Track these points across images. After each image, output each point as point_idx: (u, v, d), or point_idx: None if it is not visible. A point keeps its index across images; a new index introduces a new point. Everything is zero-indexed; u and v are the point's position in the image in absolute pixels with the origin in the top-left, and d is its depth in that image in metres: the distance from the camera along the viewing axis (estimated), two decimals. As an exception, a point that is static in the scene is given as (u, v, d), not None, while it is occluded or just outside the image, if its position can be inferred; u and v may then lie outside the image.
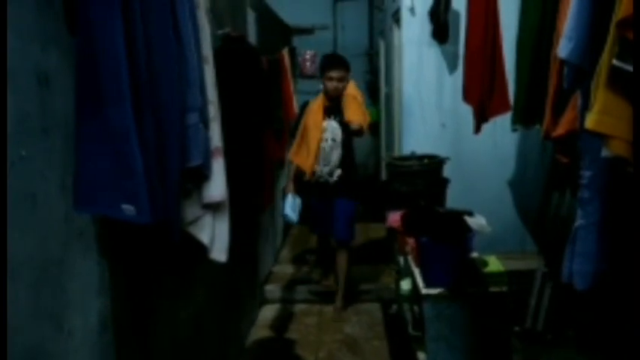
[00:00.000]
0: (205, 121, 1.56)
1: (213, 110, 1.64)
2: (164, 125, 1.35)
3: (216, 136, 1.65)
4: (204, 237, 1.65)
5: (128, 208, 1.26)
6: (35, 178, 1.20)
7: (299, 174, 3.65)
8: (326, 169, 3.55)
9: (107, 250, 1.49)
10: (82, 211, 1.31)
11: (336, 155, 3.54)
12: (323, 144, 3.53)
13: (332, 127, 3.54)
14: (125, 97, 1.21)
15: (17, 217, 1.13)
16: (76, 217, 1.33)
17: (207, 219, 1.66)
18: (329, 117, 3.55)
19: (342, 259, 3.70)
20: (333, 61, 3.60)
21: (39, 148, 1.21)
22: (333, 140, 3.54)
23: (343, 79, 3.50)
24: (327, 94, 3.54)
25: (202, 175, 1.58)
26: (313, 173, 3.55)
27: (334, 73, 3.48)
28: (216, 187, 1.62)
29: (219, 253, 1.71)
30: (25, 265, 1.16)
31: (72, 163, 1.27)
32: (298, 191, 3.70)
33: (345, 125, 3.48)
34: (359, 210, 3.81)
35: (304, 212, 3.72)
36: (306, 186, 3.67)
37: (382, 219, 3.71)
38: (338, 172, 3.56)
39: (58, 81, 1.27)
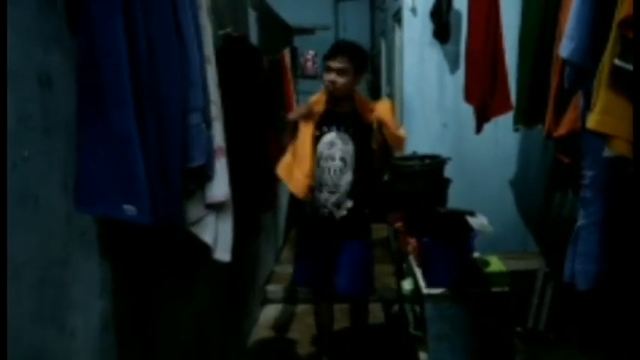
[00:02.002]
0: (207, 121, 1.57)
1: (216, 110, 1.65)
2: (166, 126, 1.35)
3: (218, 136, 1.65)
4: (207, 237, 1.65)
5: (129, 209, 1.26)
6: (37, 178, 1.20)
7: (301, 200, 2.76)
8: (332, 199, 2.68)
9: (109, 251, 1.49)
10: (83, 211, 1.31)
11: (345, 181, 2.67)
12: (328, 164, 2.67)
13: (340, 141, 2.65)
14: (127, 99, 1.22)
15: (20, 217, 1.13)
16: (77, 217, 1.33)
17: (210, 219, 1.66)
18: (330, 126, 2.67)
19: (361, 320, 2.95)
20: (333, 48, 2.69)
21: (41, 148, 1.21)
22: (343, 160, 2.66)
23: (345, 72, 2.59)
24: (327, 92, 2.67)
25: (205, 175, 1.58)
26: (314, 201, 2.71)
27: (332, 62, 2.60)
28: (219, 187, 1.63)
29: (223, 253, 1.71)
30: (27, 266, 1.16)
31: (74, 163, 1.27)
32: (298, 228, 2.95)
33: (361, 138, 2.65)
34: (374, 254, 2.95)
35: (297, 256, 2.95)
36: (304, 220, 2.86)
37: (384, 219, 3.71)
38: (348, 203, 2.69)
39: (60, 82, 1.27)
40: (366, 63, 2.79)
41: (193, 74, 1.49)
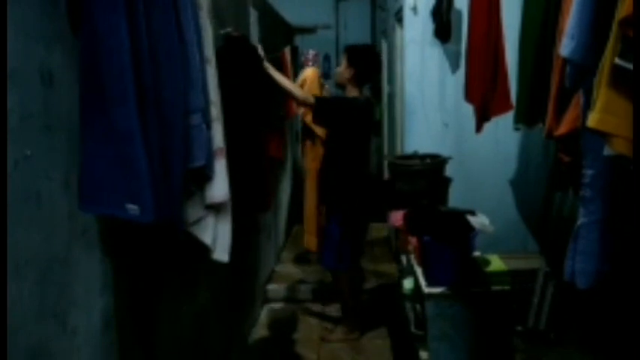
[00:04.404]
0: (208, 122, 1.57)
1: (216, 111, 1.65)
2: (168, 125, 1.35)
3: (218, 136, 1.65)
4: (206, 238, 1.65)
5: (132, 208, 1.26)
6: (40, 176, 1.20)
7: None
8: None
9: (110, 249, 1.50)
10: (86, 211, 1.31)
11: (326, 156, 3.31)
12: None
13: None
14: (129, 97, 1.22)
15: (22, 215, 1.14)
16: (79, 215, 1.34)
17: (210, 220, 1.66)
18: None
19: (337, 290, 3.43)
20: None
21: (43, 146, 1.21)
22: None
23: (345, 67, 3.15)
24: None
25: (205, 175, 1.58)
26: None
27: None
28: (219, 188, 1.63)
29: (222, 253, 1.71)
30: (29, 263, 1.16)
31: (76, 161, 1.28)
32: None
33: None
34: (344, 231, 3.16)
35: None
36: None
37: (384, 218, 3.71)
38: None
39: (62, 80, 1.27)
40: (356, 56, 3.11)
41: (194, 75, 1.49)
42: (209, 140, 1.57)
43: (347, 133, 3.10)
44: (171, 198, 1.39)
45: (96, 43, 1.21)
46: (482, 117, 2.79)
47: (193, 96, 1.49)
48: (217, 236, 1.69)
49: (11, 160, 1.10)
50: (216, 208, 1.67)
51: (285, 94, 3.08)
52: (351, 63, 3.09)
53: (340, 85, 3.23)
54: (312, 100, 2.99)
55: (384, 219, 3.67)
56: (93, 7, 1.21)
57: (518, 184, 3.51)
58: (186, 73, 1.46)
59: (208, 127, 1.58)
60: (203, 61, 1.57)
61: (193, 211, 1.60)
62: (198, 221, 1.63)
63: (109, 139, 1.24)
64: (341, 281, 3.33)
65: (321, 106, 3.06)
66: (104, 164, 1.25)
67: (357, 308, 3.41)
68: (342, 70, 3.14)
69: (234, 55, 2.51)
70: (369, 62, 3.14)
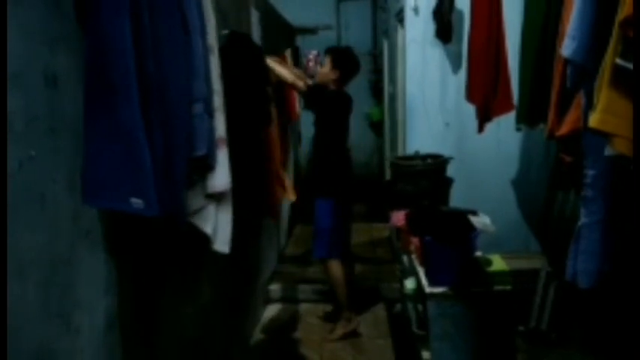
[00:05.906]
0: (210, 111, 1.56)
1: (218, 100, 1.64)
2: (171, 116, 1.34)
3: (220, 126, 1.65)
4: (207, 227, 1.64)
5: (136, 202, 1.26)
6: (44, 177, 1.21)
7: None
8: None
9: (114, 249, 1.50)
10: (91, 205, 1.31)
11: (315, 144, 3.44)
12: None
13: None
14: (133, 92, 1.21)
15: (26, 216, 1.14)
16: (83, 216, 1.34)
17: (211, 209, 1.65)
18: None
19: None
20: None
21: (47, 148, 1.22)
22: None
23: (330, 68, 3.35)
24: None
25: (207, 165, 1.58)
26: None
27: None
28: (220, 178, 1.62)
29: (222, 244, 1.71)
30: (34, 264, 1.17)
31: (79, 162, 1.28)
32: None
33: (319, 112, 3.34)
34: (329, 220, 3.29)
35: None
36: None
37: (386, 219, 3.71)
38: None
39: (66, 81, 1.28)
40: (341, 59, 3.34)
41: (197, 63, 1.48)
42: (211, 129, 1.57)
43: (334, 121, 3.31)
44: (174, 189, 1.38)
45: (99, 36, 1.20)
46: (484, 117, 2.80)
47: (196, 85, 1.49)
48: (218, 227, 1.68)
49: (16, 162, 1.11)
50: (216, 198, 1.66)
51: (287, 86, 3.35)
52: (336, 65, 3.32)
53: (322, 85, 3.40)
54: (303, 87, 3.24)
55: (385, 219, 3.67)
56: (98, 2, 1.20)
57: (520, 184, 3.51)
58: (190, 62, 1.45)
59: (211, 116, 1.57)
60: (206, 50, 1.56)
61: (195, 201, 1.59)
62: (199, 211, 1.62)
63: (112, 133, 1.23)
64: (333, 269, 3.35)
65: (312, 93, 3.27)
66: (108, 159, 1.25)
67: (352, 296, 3.43)
68: (326, 71, 3.35)
69: (238, 49, 2.51)
70: (351, 64, 3.38)
